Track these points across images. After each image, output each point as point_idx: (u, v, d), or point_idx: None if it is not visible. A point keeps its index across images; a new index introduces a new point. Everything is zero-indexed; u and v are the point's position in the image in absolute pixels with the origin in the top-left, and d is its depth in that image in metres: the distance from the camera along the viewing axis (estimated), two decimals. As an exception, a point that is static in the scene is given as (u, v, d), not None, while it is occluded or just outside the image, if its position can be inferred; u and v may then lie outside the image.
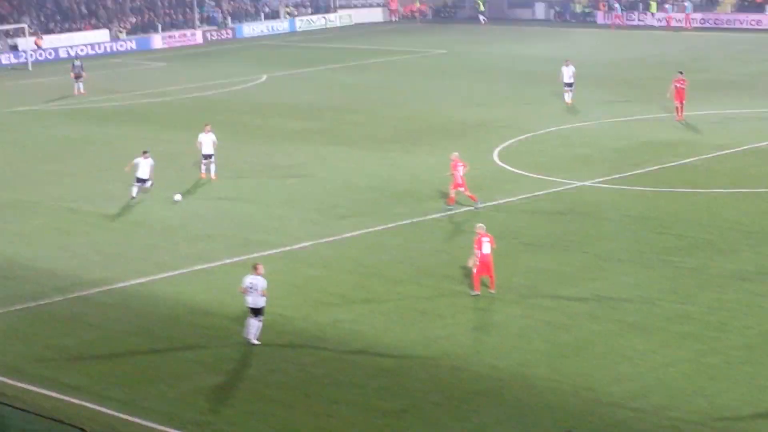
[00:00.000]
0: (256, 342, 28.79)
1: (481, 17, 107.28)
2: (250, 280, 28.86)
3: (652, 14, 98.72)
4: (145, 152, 43.85)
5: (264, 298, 28.70)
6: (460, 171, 40.83)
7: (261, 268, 29.04)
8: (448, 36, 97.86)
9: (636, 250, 35.58)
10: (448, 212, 40.59)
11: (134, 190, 43.46)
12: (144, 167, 43.45)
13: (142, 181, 43.50)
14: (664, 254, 35.04)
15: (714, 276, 33.02)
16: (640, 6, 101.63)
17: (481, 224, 32.87)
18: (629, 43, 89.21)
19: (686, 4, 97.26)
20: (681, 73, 55.65)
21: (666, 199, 41.50)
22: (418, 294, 32.58)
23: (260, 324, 28.89)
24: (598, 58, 79.56)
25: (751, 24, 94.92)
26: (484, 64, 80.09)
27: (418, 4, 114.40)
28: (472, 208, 40.71)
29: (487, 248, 31.96)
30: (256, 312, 28.83)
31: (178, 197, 43.07)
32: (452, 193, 41.06)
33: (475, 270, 32.10)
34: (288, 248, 37.45)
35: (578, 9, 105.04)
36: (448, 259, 35.00)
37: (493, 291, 31.95)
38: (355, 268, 35.21)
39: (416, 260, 35.52)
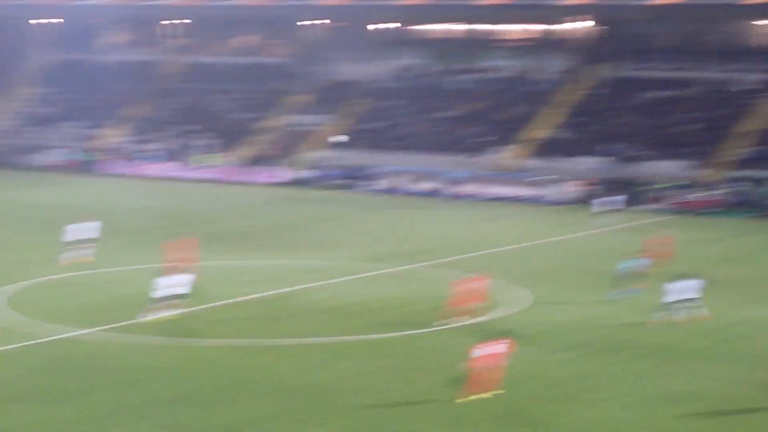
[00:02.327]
0: None
1: None
2: None
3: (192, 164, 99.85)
4: None
5: None
6: None
7: None
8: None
9: (130, 402, 35.16)
10: None
11: None
12: None
13: None
14: (160, 406, 34.81)
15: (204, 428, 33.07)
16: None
17: None
18: (141, 193, 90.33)
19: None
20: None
21: (168, 350, 41.62)
22: None
23: None
24: (112, 207, 79.94)
25: (257, 178, 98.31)
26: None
27: None
28: None
29: None
30: None
31: None
32: None
33: None
34: None
35: (86, 157, 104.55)
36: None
37: None
38: None
39: None
